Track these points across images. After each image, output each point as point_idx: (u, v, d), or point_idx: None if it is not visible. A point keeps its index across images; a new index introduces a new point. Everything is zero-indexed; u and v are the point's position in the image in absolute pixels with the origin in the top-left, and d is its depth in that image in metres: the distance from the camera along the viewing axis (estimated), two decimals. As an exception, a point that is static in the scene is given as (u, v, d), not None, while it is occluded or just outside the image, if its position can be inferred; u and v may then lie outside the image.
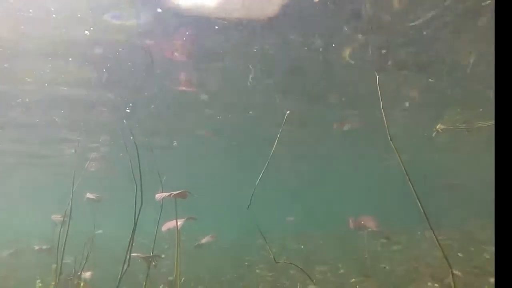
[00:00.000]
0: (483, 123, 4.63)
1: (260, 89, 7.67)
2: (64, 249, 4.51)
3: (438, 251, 8.98)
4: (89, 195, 5.80)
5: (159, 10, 4.64)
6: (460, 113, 8.01)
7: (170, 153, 14.76)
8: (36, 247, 8.70)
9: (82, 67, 6.31)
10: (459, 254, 9.24)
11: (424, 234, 13.05)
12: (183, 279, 9.34)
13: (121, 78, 6.90)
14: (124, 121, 9.74)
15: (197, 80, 7.23)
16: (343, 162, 18.59)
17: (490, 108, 7.95)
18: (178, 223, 4.37)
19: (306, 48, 5.68)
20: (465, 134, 5.54)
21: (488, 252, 9.31)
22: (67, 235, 4.57)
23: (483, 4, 4.34)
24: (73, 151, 13.55)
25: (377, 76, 2.83)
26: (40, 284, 6.98)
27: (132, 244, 3.57)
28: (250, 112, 9.36)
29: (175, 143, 13.38)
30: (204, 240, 9.43)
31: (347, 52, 5.76)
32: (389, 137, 2.87)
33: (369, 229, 8.78)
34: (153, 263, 4.14)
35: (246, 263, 11.16)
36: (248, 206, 3.27)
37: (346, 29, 5.02)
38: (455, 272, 7.37)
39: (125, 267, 3.62)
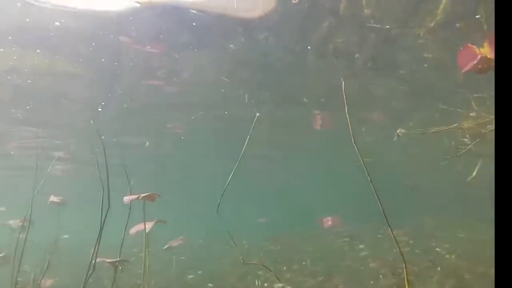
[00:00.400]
0: (438, 128, 5.00)
1: (233, 90, 7.73)
2: (22, 256, 4.28)
3: (397, 249, 9.55)
4: (52, 198, 5.54)
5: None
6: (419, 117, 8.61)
7: (140, 153, 14.38)
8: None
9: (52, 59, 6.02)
10: (416, 251, 9.85)
11: (388, 233, 13.71)
12: (153, 282, 9.16)
13: (93, 73, 6.66)
14: (92, 121, 9.38)
15: (169, 76, 7.12)
16: (313, 163, 19.05)
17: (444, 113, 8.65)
18: (147, 226, 4.32)
19: (282, 48, 5.85)
20: (421, 137, 5.94)
21: (440, 247, 10.04)
22: (25, 241, 4.36)
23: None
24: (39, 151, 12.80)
25: (343, 82, 2.98)
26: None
27: (97, 248, 3.48)
28: (226, 112, 9.36)
29: (147, 144, 13.05)
30: (173, 243, 9.30)
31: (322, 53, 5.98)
32: (352, 140, 3.04)
33: (335, 229, 9.11)
34: (120, 268, 4.05)
35: (215, 265, 11.13)
36: (217, 209, 3.31)
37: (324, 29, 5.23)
38: (413, 267, 7.86)
39: (90, 273, 3.52)
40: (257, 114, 8.77)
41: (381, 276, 7.78)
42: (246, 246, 14.52)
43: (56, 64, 6.24)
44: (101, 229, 3.54)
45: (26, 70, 6.38)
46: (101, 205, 3.48)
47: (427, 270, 7.91)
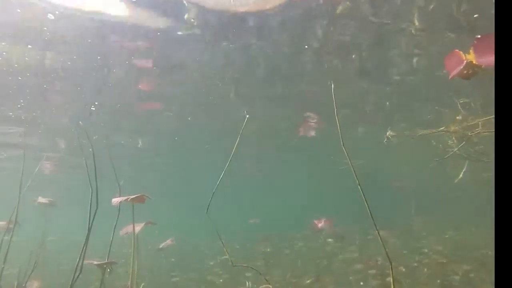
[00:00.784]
0: (426, 131, 5.10)
1: (225, 89, 7.73)
2: (5, 258, 4.18)
3: (387, 249, 9.70)
4: (41, 200, 5.45)
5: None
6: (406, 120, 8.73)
7: (131, 154, 14.25)
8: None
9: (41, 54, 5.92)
10: (404, 251, 9.99)
11: (377, 234, 13.84)
12: (142, 285, 9.06)
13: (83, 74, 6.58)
14: (80, 122, 9.26)
15: (162, 76, 7.08)
16: (304, 165, 19.14)
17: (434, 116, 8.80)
18: (137, 227, 4.28)
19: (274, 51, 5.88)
20: (410, 140, 6.05)
21: (426, 247, 10.21)
22: (10, 243, 4.26)
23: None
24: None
25: (332, 85, 3.02)
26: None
27: (85, 250, 3.44)
28: (219, 112, 9.34)
29: (140, 145, 12.93)
30: (163, 245, 9.24)
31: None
32: (341, 143, 3.07)
33: (326, 230, 9.17)
34: (108, 270, 4.01)
35: (205, 265, 11.09)
36: (207, 210, 3.31)
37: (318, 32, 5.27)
38: (401, 268, 7.98)
39: (76, 275, 3.47)
40: (247, 115, 8.77)
41: (369, 277, 7.86)
42: (237, 247, 14.50)
43: (46, 62, 6.14)
44: (89, 230, 3.50)
45: (16, 65, 6.23)
46: (89, 206, 3.45)
47: (414, 270, 8.03)
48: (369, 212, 2.77)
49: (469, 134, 4.42)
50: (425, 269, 8.19)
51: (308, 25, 5.12)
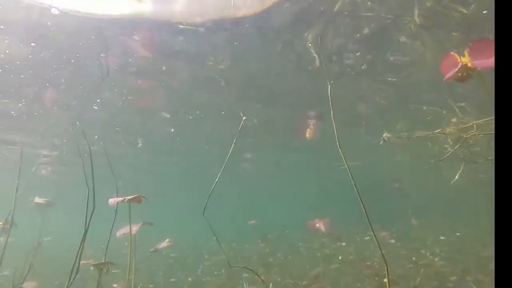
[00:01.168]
0: (422, 133, 5.12)
1: (223, 91, 7.75)
2: (1, 259, 4.17)
3: (384, 250, 9.75)
4: (37, 200, 5.42)
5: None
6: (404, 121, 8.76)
7: (130, 155, 14.22)
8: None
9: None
10: (402, 252, 10.02)
11: (376, 235, 13.88)
12: (140, 285, 9.04)
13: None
14: (77, 122, 9.23)
15: (161, 77, 7.07)
16: (304, 166, 19.16)
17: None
18: (134, 228, 4.27)
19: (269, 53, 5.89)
20: (407, 141, 6.08)
21: (425, 249, 10.25)
22: (6, 244, 4.25)
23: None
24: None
25: (329, 85, 3.04)
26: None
27: (81, 251, 3.44)
28: (222, 112, 9.34)
29: (140, 145, 12.91)
30: (160, 245, 9.22)
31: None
32: (337, 144, 3.09)
33: (324, 231, 9.17)
34: (105, 270, 4.00)
35: (202, 266, 11.07)
36: (203, 211, 3.32)
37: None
38: (398, 269, 8.00)
39: (73, 276, 3.47)
40: (244, 117, 8.79)
41: (366, 279, 7.88)
42: (234, 245, 14.49)
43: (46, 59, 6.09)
44: (86, 231, 3.50)
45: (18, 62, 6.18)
46: (86, 207, 3.45)
47: (411, 272, 8.05)
48: (364, 212, 2.79)
49: (464, 136, 4.44)
50: (422, 270, 8.23)
51: (304, 24, 5.15)
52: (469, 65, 3.09)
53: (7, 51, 5.68)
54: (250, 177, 22.42)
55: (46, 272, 8.93)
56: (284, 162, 17.51)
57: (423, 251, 10.16)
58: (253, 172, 20.50)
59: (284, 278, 9.02)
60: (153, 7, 4.69)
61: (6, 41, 5.40)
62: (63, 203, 24.50)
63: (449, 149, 4.87)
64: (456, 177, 6.45)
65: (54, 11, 4.70)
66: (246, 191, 30.29)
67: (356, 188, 2.83)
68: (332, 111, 3.11)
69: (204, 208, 3.34)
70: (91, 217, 3.45)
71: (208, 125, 10.36)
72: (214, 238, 3.47)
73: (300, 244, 14.11)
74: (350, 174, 2.85)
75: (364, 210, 2.77)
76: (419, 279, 7.47)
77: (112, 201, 3.60)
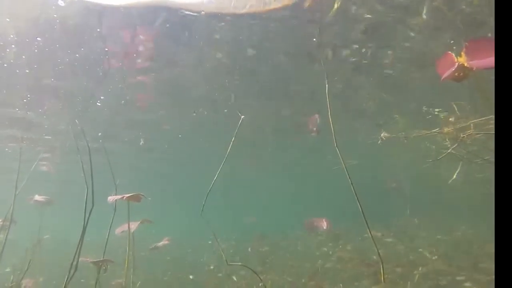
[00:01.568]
0: (420, 132, 5.16)
1: (222, 89, 7.76)
2: (1, 256, 4.19)
3: (381, 249, 9.84)
4: (37, 198, 5.45)
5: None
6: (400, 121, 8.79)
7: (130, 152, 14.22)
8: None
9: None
10: (400, 251, 10.07)
11: (373, 234, 13.93)
12: (139, 283, 9.07)
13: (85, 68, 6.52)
14: (76, 120, 9.23)
15: (160, 74, 7.05)
16: (301, 165, 19.19)
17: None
18: (133, 226, 4.30)
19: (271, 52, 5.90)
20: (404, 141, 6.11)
21: (422, 247, 10.31)
22: (5, 241, 4.27)
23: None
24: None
25: (326, 84, 3.06)
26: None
27: (80, 248, 3.46)
28: (203, 111, 9.32)
29: (142, 142, 12.90)
30: (159, 244, 9.26)
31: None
32: (335, 143, 3.11)
33: (322, 230, 9.21)
34: (104, 268, 4.03)
35: (200, 264, 11.11)
36: (201, 210, 3.34)
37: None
38: (397, 268, 8.05)
39: (72, 273, 3.49)
40: (242, 116, 8.81)
41: (364, 276, 7.93)
42: (233, 242, 14.52)
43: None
44: (84, 229, 3.52)
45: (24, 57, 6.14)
46: (84, 205, 3.47)
47: (409, 269, 8.09)
48: (361, 211, 2.82)
49: (461, 135, 4.48)
50: (420, 269, 8.27)
51: (306, 24, 5.15)
52: (465, 65, 3.12)
53: (12, 46, 5.66)
54: (248, 176, 22.46)
55: (46, 269, 8.95)
56: (284, 160, 17.54)
57: (421, 250, 10.21)
58: (252, 170, 20.54)
59: (282, 276, 9.06)
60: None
61: (12, 36, 5.37)
62: (66, 200, 24.49)
63: (446, 148, 4.90)
64: (454, 176, 6.48)
65: (60, 2, 4.67)
66: (245, 189, 30.34)
67: (353, 186, 2.86)
68: (329, 110, 3.14)
69: (202, 208, 3.36)
70: (89, 214, 3.48)
71: (210, 121, 10.33)
72: (212, 236, 3.49)
73: (299, 242, 14.16)
74: (346, 172, 2.88)
75: (360, 208, 2.80)
76: (416, 277, 7.52)
77: (111, 198, 3.63)
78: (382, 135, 5.64)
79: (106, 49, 5.85)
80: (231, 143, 3.72)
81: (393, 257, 9.44)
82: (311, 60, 6.31)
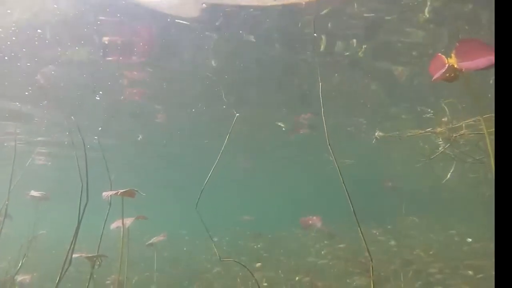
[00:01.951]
0: (414, 132, 5.21)
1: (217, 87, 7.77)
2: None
3: (375, 247, 9.92)
4: (33, 193, 5.46)
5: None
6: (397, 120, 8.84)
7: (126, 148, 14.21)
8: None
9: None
10: (394, 249, 10.16)
11: (368, 233, 14.04)
12: (135, 278, 9.12)
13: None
14: (72, 117, 9.21)
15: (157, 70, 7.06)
16: (297, 163, 19.25)
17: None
18: (128, 221, 4.33)
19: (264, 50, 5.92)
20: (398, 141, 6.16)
21: (417, 246, 10.40)
22: (-1, 235, 4.28)
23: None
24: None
25: (320, 84, 3.10)
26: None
27: (74, 243, 3.49)
28: (204, 107, 9.35)
29: (140, 137, 12.89)
30: (155, 239, 9.28)
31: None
32: (327, 142, 3.15)
33: (317, 228, 9.27)
34: (98, 263, 4.06)
35: (196, 260, 11.16)
36: (196, 205, 3.38)
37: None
38: (390, 266, 8.13)
39: (65, 268, 3.52)
40: (237, 114, 8.84)
41: (356, 275, 8.01)
42: (227, 238, 14.57)
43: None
44: (79, 224, 3.55)
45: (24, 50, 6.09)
46: (79, 200, 3.50)
47: (402, 268, 8.18)
48: (352, 209, 2.86)
49: (454, 135, 4.54)
50: (414, 266, 8.36)
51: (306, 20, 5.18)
52: (455, 66, 3.17)
53: (13, 38, 5.64)
54: (245, 174, 22.50)
55: (41, 264, 8.97)
56: (279, 158, 17.59)
57: (415, 248, 10.32)
58: (248, 169, 20.58)
59: (277, 272, 9.13)
60: None
61: (13, 28, 5.34)
62: (63, 196, 24.45)
63: (440, 147, 4.96)
64: (448, 176, 6.54)
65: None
66: (240, 187, 30.40)
67: (345, 185, 2.90)
68: (322, 109, 3.18)
69: (197, 203, 3.40)
70: (84, 210, 3.51)
71: (206, 119, 10.36)
72: (208, 233, 3.54)
73: (293, 240, 14.24)
74: (339, 171, 2.92)
75: (351, 207, 2.84)
76: (409, 275, 7.60)
77: (105, 194, 3.66)
78: (376, 134, 5.69)
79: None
80: (226, 139, 3.75)
81: (387, 254, 9.54)
82: (306, 56, 6.33)
